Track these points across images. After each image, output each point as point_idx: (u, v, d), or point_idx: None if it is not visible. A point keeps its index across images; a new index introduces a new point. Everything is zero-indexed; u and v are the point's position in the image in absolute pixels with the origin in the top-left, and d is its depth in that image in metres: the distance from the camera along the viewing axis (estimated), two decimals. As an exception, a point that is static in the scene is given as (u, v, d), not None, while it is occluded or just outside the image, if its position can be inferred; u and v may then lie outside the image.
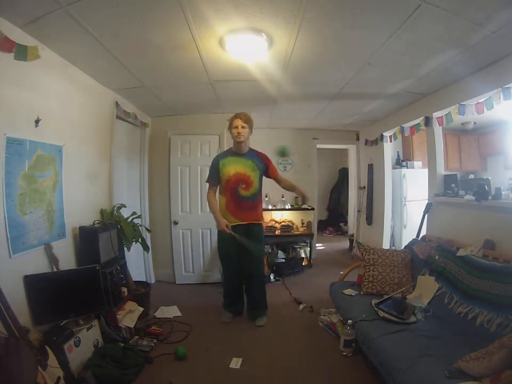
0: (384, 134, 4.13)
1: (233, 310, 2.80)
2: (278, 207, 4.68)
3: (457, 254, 2.19)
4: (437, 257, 2.35)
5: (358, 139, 5.28)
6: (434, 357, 1.57)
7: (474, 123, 4.32)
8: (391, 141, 4.11)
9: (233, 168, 2.57)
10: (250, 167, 2.58)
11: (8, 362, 1.29)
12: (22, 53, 1.64)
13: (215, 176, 2.64)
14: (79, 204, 2.37)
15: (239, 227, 2.57)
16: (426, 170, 3.36)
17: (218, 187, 2.69)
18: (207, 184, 2.73)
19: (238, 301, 2.84)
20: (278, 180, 2.73)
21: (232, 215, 2.58)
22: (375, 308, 2.17)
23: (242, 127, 2.52)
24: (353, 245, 5.17)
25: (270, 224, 4.43)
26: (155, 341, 2.35)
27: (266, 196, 4.55)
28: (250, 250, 2.53)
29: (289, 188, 2.70)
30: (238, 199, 2.57)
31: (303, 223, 4.76)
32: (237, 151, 2.62)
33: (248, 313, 2.81)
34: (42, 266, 1.90)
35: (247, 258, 2.63)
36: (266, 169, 2.67)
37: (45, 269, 1.91)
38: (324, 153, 6.42)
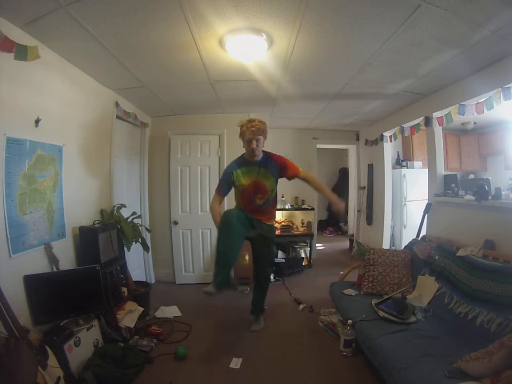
0: (384, 134, 4.13)
1: (222, 283, 2.20)
2: (278, 207, 4.67)
3: (457, 254, 2.19)
4: (437, 257, 2.35)
5: (358, 139, 5.28)
6: (434, 357, 1.57)
7: (474, 123, 4.32)
8: (391, 141, 4.11)
9: (247, 178, 2.41)
10: (263, 175, 2.40)
11: (8, 362, 1.29)
12: (22, 52, 1.64)
13: (225, 188, 2.45)
14: (79, 204, 2.37)
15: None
16: (426, 170, 3.37)
17: (233, 194, 2.54)
18: (215, 192, 2.49)
19: (229, 275, 2.30)
20: (302, 178, 2.47)
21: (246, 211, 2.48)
22: (375, 308, 2.17)
23: (256, 141, 2.28)
24: (353, 245, 5.18)
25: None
26: (155, 341, 2.35)
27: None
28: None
29: (318, 189, 2.48)
30: (254, 207, 2.46)
31: (303, 223, 4.76)
32: (249, 158, 2.41)
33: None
34: (42, 266, 1.90)
35: (257, 258, 2.57)
36: (283, 171, 2.44)
37: (45, 269, 1.91)
38: (324, 153, 6.43)
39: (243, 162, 2.44)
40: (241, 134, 2.35)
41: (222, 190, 2.46)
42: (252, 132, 2.26)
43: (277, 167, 2.43)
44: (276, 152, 2.57)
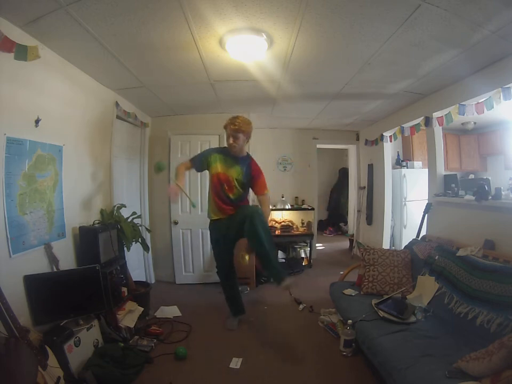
0: (384, 134, 4.13)
1: (239, 311, 2.74)
2: (278, 207, 4.69)
3: (457, 254, 2.19)
4: (437, 257, 2.35)
5: (358, 139, 5.28)
6: (434, 357, 1.57)
7: (474, 123, 4.32)
8: (391, 141, 4.11)
9: (220, 166, 2.48)
10: (236, 172, 2.47)
11: (8, 362, 1.29)
12: (22, 52, 1.64)
13: (199, 162, 2.53)
14: (79, 204, 2.37)
15: (225, 218, 2.51)
16: (426, 170, 3.37)
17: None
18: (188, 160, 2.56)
19: (240, 300, 2.79)
20: (258, 200, 2.59)
21: (219, 211, 2.53)
22: (375, 308, 2.17)
23: (234, 137, 2.38)
24: (353, 245, 5.18)
25: (270, 224, 4.44)
26: (155, 341, 2.35)
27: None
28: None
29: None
30: (224, 197, 2.50)
31: (303, 223, 4.77)
32: (231, 152, 2.50)
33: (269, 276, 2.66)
34: (42, 266, 1.90)
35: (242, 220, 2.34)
36: (253, 181, 2.52)
37: (45, 269, 1.91)
38: (324, 153, 6.43)
39: (224, 151, 2.56)
40: (225, 130, 2.49)
41: (195, 161, 2.55)
42: (231, 129, 2.40)
43: (251, 174, 2.52)
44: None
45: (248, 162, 2.54)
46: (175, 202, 2.29)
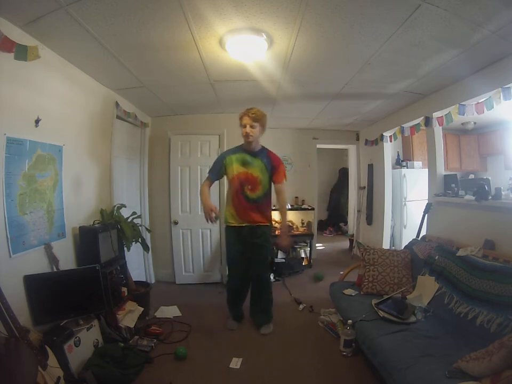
0: (384, 134, 4.13)
1: (238, 317, 2.73)
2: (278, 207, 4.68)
3: (457, 254, 2.19)
4: (437, 257, 2.35)
5: (358, 139, 5.28)
6: (434, 357, 1.57)
7: (474, 123, 4.32)
8: (391, 141, 4.11)
9: (237, 167, 2.43)
10: (259, 167, 2.44)
11: (8, 362, 1.29)
12: (22, 52, 1.64)
13: (216, 171, 2.49)
14: (79, 203, 2.37)
15: (244, 228, 2.48)
16: (426, 170, 3.37)
17: (219, 183, 2.55)
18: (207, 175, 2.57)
19: (241, 307, 2.77)
20: (277, 189, 2.54)
21: (238, 216, 2.48)
22: (375, 308, 2.17)
23: (251, 127, 2.34)
24: (353, 245, 5.18)
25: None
26: (155, 341, 2.35)
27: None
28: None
29: (281, 210, 2.63)
30: (244, 200, 2.45)
31: (303, 223, 4.76)
32: (247, 148, 2.46)
33: (252, 319, 2.72)
34: (42, 266, 1.90)
35: (251, 260, 2.52)
36: (273, 171, 2.50)
37: (45, 269, 1.91)
38: (324, 153, 6.43)
39: (239, 149, 2.52)
40: (240, 122, 2.43)
41: (211, 173, 2.53)
42: (248, 118, 2.36)
43: (271, 164, 2.50)
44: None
45: (266, 154, 2.52)
46: (214, 221, 2.34)
